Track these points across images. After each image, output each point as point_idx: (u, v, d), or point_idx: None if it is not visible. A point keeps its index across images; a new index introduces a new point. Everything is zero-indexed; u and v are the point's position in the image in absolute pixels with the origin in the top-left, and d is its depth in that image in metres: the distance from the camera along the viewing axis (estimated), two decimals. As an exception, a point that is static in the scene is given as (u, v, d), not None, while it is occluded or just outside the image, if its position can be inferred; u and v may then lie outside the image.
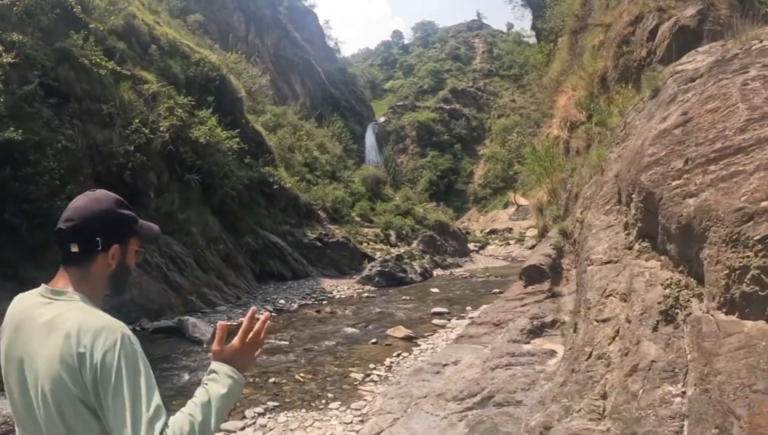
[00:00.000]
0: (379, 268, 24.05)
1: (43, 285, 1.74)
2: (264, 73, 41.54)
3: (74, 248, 1.70)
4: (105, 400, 1.51)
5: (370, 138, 73.00)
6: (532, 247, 45.86)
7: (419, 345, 12.15)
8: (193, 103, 19.94)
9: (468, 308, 16.90)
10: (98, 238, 1.72)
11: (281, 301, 18.36)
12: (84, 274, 1.74)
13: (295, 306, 17.88)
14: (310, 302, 18.90)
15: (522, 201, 64.68)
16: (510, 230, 55.07)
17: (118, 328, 1.60)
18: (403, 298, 19.80)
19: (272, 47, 59.89)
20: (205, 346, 12.42)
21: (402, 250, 30.02)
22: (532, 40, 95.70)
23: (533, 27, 38.69)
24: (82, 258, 1.73)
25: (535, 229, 50.54)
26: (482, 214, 68.82)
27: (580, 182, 10.66)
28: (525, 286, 9.13)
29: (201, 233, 17.93)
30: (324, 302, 18.97)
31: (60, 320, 1.60)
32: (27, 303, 1.72)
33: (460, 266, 33.82)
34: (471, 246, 43.30)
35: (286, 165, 30.88)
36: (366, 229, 32.51)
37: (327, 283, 22.91)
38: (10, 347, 1.69)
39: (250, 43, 52.91)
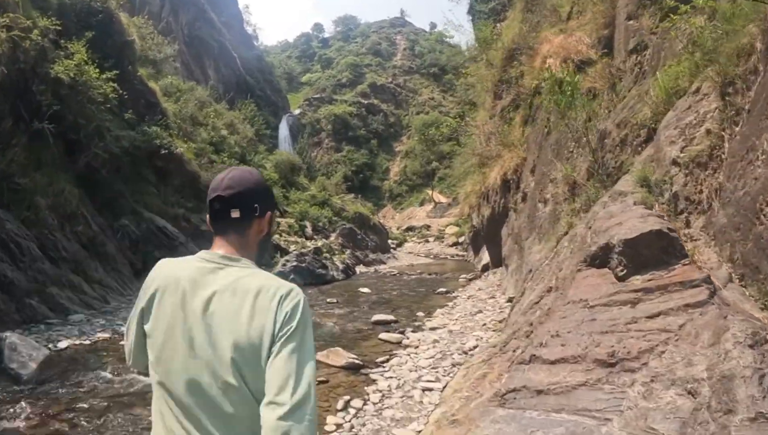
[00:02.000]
0: (294, 263, 19.25)
1: (203, 252, 1.77)
2: (176, 52, 36.21)
3: (235, 214, 1.73)
4: (276, 345, 1.55)
5: (284, 130, 67.84)
6: (454, 244, 42.96)
7: (375, 381, 7.57)
8: (59, 28, 14.31)
9: (420, 314, 12.59)
10: (256, 205, 1.78)
11: (166, 305, 13.36)
12: (244, 240, 1.79)
13: (185, 312, 12.95)
14: (205, 306, 13.98)
15: (440, 198, 61.54)
16: (428, 227, 51.74)
17: (300, 290, 1.68)
18: (329, 300, 15.14)
19: (187, 27, 53.76)
20: (25, 382, 7.59)
21: (320, 243, 25.30)
22: (454, 40, 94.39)
23: (470, 11, 34.59)
24: (241, 223, 1.76)
25: (455, 227, 47.51)
26: (398, 212, 65.37)
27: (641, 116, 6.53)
28: (621, 277, 4.58)
29: (51, 208, 12.43)
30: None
31: (243, 283, 1.64)
32: (190, 267, 1.71)
33: (384, 263, 29.41)
34: (389, 243, 39.11)
35: (187, 139, 25.52)
36: (278, 219, 27.57)
37: (230, 281, 17.90)
38: (177, 309, 1.66)
39: (164, 20, 46.98)
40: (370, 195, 66.84)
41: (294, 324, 1.57)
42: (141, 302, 1.76)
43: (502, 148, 17.34)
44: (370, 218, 33.78)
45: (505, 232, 17.59)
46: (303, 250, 20.72)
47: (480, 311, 11.84)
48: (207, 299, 1.63)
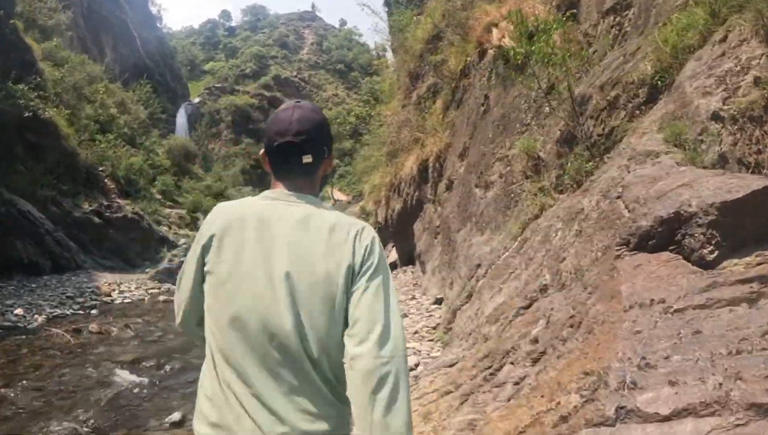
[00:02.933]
0: (183, 259, 16.65)
1: (268, 191, 1.69)
2: (69, 20, 32.27)
3: (308, 159, 1.65)
4: (360, 281, 1.53)
5: (181, 118, 63.41)
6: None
7: None
8: None
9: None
10: (325, 147, 1.72)
11: (17, 312, 10.66)
12: (310, 181, 1.71)
13: (40, 320, 10.37)
14: (69, 313, 11.45)
15: (340, 196, 59.64)
16: (327, 225, 49.32)
17: (371, 228, 1.65)
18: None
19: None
20: None
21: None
22: (362, 39, 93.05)
23: (386, 2, 32.55)
24: (312, 167, 1.69)
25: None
26: (296, 208, 62.61)
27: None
28: (709, 263, 2.73)
29: None
30: (93, 313, 11.51)
31: (316, 218, 1.60)
32: (255, 205, 1.64)
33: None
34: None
35: (69, 113, 22.27)
36: (168, 210, 24.71)
37: (106, 280, 15.12)
38: (245, 245, 1.57)
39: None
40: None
41: (375, 259, 1.56)
42: (198, 245, 1.64)
43: (420, 136, 15.65)
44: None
45: (419, 227, 15.91)
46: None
47: (404, 315, 9.86)
48: (278, 235, 1.57)
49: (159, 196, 25.58)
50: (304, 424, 1.50)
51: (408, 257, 18.29)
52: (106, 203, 17.23)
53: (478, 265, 6.82)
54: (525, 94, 7.66)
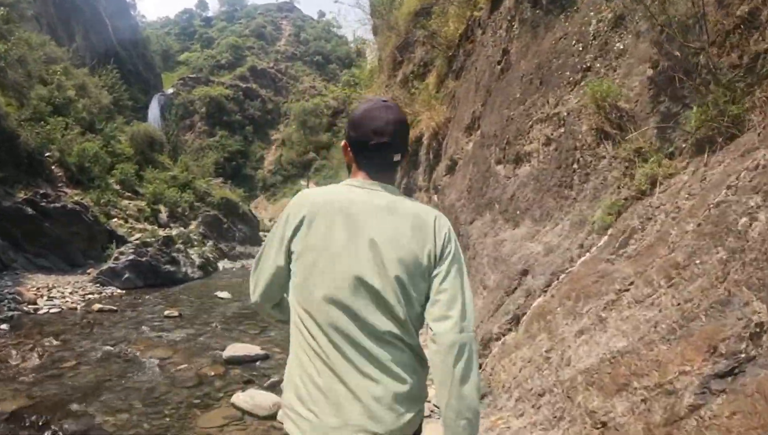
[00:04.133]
0: (131, 258, 14.05)
1: (350, 179, 1.78)
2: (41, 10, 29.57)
3: (398, 157, 1.77)
4: (441, 266, 1.64)
5: (154, 110, 60.33)
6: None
7: None
8: None
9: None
10: (408, 147, 1.84)
11: None
12: (392, 175, 1.81)
13: None
14: (-30, 325, 8.81)
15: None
16: (304, 220, 46.85)
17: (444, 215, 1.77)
18: (168, 313, 10.27)
19: (57, -15, 45.86)
20: None
21: (175, 232, 20.04)
22: (341, 31, 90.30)
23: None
24: (398, 164, 1.81)
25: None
26: (271, 203, 60.48)
27: None
28: None
29: None
30: (2, 328, 8.91)
31: (400, 204, 1.70)
32: (341, 191, 1.73)
33: (254, 256, 24.44)
34: (261, 235, 34.24)
35: (12, 90, 19.47)
36: (126, 202, 21.94)
37: (35, 284, 12.42)
38: (334, 228, 1.65)
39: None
40: (243, 184, 61.35)
41: (453, 246, 1.68)
42: (288, 227, 1.71)
43: (409, 113, 13.32)
44: (238, 205, 28.68)
45: None
46: (147, 240, 15.48)
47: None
48: (366, 218, 1.65)
49: (117, 187, 22.78)
50: (395, 385, 1.59)
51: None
52: (42, 192, 14.51)
53: (525, 272, 4.43)
54: (576, 33, 5.29)
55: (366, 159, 1.75)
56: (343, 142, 1.81)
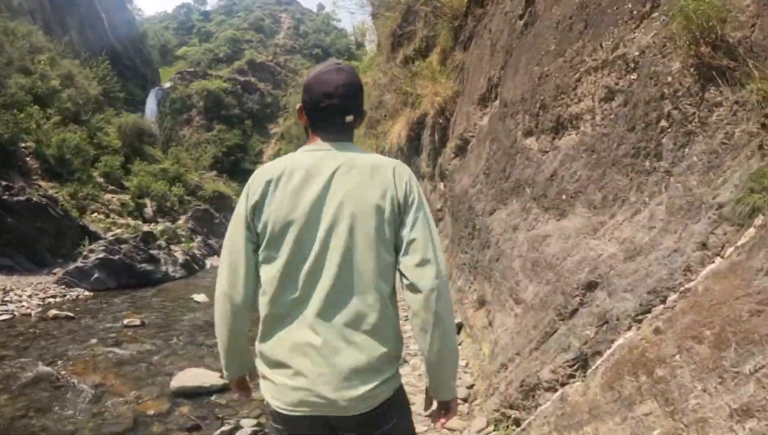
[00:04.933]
0: (102, 256, 12.48)
1: (306, 145, 1.75)
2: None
3: (350, 118, 1.72)
4: (407, 215, 1.62)
5: (151, 105, 58.82)
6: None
7: None
8: None
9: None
10: (362, 109, 1.80)
11: None
12: (348, 135, 1.76)
13: None
14: None
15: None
16: (304, 214, 45.46)
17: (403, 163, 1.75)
18: (128, 323, 8.72)
19: (50, -21, 44.47)
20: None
21: (160, 228, 18.52)
22: (341, 24, 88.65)
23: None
24: (350, 125, 1.75)
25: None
26: (271, 197, 58.50)
27: None
28: None
29: None
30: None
31: (359, 159, 1.67)
32: (300, 157, 1.69)
33: (246, 254, 22.98)
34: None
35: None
36: (109, 196, 20.44)
37: (-11, 283, 10.99)
38: (299, 191, 1.62)
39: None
40: (242, 178, 59.55)
41: (416, 193, 1.67)
42: (250, 200, 1.66)
43: (411, 92, 11.91)
44: (232, 199, 27.05)
45: None
46: (123, 237, 13.92)
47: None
48: (329, 176, 1.63)
49: (101, 180, 21.29)
50: (375, 349, 1.59)
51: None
52: (4, 184, 12.96)
53: (593, 285, 2.89)
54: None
55: (320, 121, 1.73)
56: (298, 106, 1.78)
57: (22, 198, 12.86)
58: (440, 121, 9.33)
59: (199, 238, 19.90)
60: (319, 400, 1.54)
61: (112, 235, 14.30)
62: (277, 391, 1.60)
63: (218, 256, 18.89)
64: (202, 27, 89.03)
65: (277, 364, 1.62)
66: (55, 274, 12.46)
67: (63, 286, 11.87)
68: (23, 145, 17.76)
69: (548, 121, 4.55)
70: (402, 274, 1.60)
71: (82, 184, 18.68)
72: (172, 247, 16.75)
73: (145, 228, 18.31)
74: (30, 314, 9.65)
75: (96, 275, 12.16)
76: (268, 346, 1.65)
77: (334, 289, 1.56)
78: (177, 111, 64.57)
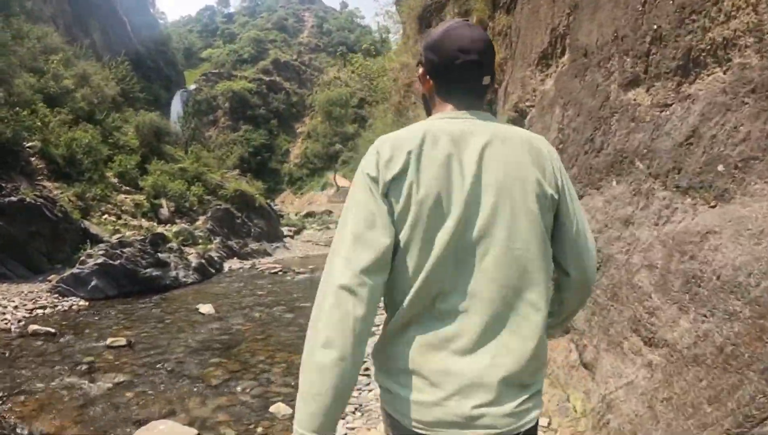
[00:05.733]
0: (101, 262, 11.10)
1: (441, 113, 1.43)
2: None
3: (487, 80, 1.44)
4: (564, 198, 1.41)
5: (176, 106, 58.42)
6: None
7: None
8: None
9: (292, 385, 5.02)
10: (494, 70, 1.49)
11: None
12: (482, 104, 1.48)
13: None
14: None
15: (344, 182, 54.38)
16: (330, 213, 44.43)
17: None
18: (112, 343, 7.22)
19: (71, -17, 44.35)
20: None
21: (176, 229, 17.20)
22: (365, 21, 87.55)
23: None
24: (487, 90, 1.47)
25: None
26: (298, 197, 57.88)
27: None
28: None
29: None
30: None
31: (507, 131, 1.40)
32: (438, 126, 1.35)
33: (269, 255, 21.54)
34: (285, 230, 31.40)
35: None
36: (123, 196, 19.18)
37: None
38: (447, 164, 1.30)
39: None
40: (269, 178, 59.24)
41: (566, 175, 1.46)
42: (385, 173, 1.29)
43: None
44: (255, 198, 25.62)
45: None
46: (127, 240, 12.54)
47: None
48: (480, 149, 1.34)
49: (115, 180, 20.08)
50: (529, 361, 1.30)
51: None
52: (-4, 184, 11.71)
53: None
54: None
55: (453, 83, 1.44)
56: (419, 71, 1.50)
57: (14, 199, 11.56)
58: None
59: (218, 240, 18.50)
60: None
61: (117, 238, 12.95)
62: (420, 406, 1.24)
63: (238, 257, 17.39)
64: (225, 29, 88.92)
65: (419, 376, 1.26)
66: (50, 281, 11.13)
67: (56, 295, 10.51)
68: (29, 144, 16.59)
69: (668, 61, 2.88)
70: (561, 265, 1.43)
71: (93, 185, 17.45)
72: (187, 249, 15.41)
73: (159, 229, 17.02)
74: (9, 329, 8.29)
75: (93, 283, 10.78)
76: (409, 354, 1.28)
77: (499, 282, 1.28)
78: (202, 112, 64.13)
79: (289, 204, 54.96)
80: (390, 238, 1.27)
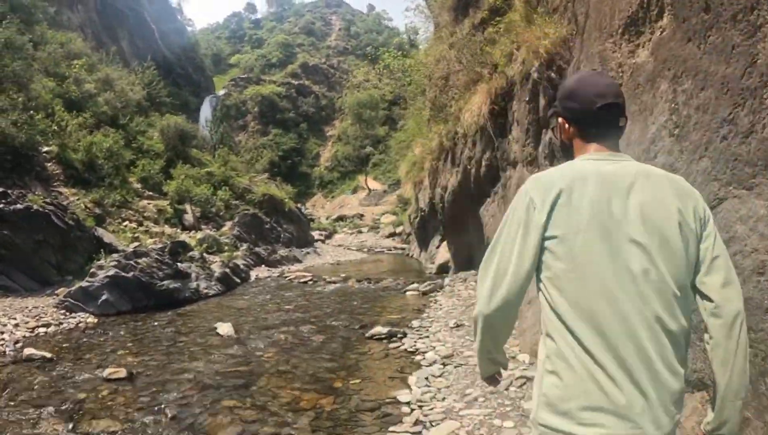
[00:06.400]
0: (112, 274, 10.01)
1: (585, 154, 1.57)
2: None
3: (623, 123, 1.58)
4: (706, 229, 1.45)
5: (205, 112, 57.96)
6: (390, 235, 34.22)
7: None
8: None
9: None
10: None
11: None
12: (618, 145, 1.59)
13: None
14: None
15: (375, 185, 53.23)
16: (361, 216, 43.25)
17: None
18: (109, 375, 6.04)
19: (99, -7, 44.46)
20: None
21: (199, 235, 16.15)
22: (392, 23, 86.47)
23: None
24: (622, 131, 1.61)
25: (392, 215, 38.84)
26: (329, 200, 56.85)
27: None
28: None
29: None
30: None
31: (651, 170, 1.51)
32: (585, 166, 1.50)
33: (299, 261, 20.41)
34: (316, 234, 30.35)
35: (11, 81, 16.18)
36: (145, 202, 18.23)
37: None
38: (598, 204, 1.42)
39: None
40: (299, 182, 58.31)
41: (707, 206, 1.50)
42: (540, 210, 1.46)
43: (483, 68, 9.23)
44: (284, 203, 24.53)
45: (491, 211, 9.39)
46: (139, 249, 11.46)
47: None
48: (628, 187, 1.45)
49: (138, 185, 19.16)
50: (674, 382, 1.38)
51: (467, 259, 11.73)
52: (1, 190, 10.72)
53: None
54: None
55: (594, 127, 1.58)
56: (558, 121, 1.66)
57: (20, 206, 10.54)
58: (550, 75, 6.38)
59: (245, 246, 17.41)
60: None
61: (133, 247, 11.88)
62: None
63: (266, 265, 16.17)
64: (253, 34, 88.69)
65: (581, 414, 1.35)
66: (57, 295, 10.09)
67: (63, 311, 9.47)
68: (46, 149, 15.73)
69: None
70: (703, 295, 1.43)
71: (113, 190, 16.52)
72: (211, 257, 14.35)
73: (183, 236, 16.01)
74: (4, 352, 7.23)
75: (104, 297, 9.70)
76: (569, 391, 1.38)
77: (649, 317, 1.37)
78: (232, 117, 63.66)
79: (320, 208, 54.04)
80: (531, 277, 1.47)
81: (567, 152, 1.86)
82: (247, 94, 66.43)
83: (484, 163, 9.62)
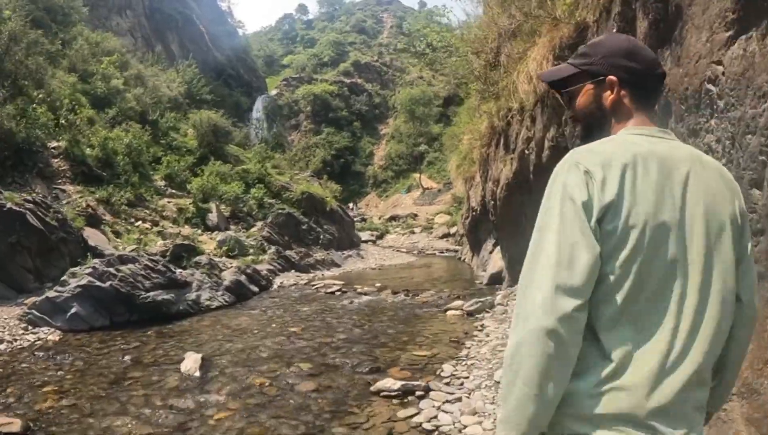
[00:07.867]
0: (85, 282, 8.36)
1: (636, 128, 1.30)
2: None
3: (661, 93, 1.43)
4: (745, 226, 1.31)
5: (257, 112, 57.61)
6: (444, 236, 32.07)
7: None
8: None
9: None
10: None
11: None
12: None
13: None
14: None
15: (429, 183, 51.15)
16: (415, 216, 41.22)
17: None
18: (1, 428, 4.30)
19: (148, -1, 44.83)
20: None
21: (218, 237, 14.50)
22: (445, 20, 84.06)
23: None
24: (657, 103, 1.51)
25: (446, 215, 36.65)
26: (382, 199, 55.13)
27: None
28: None
29: None
30: None
31: (701, 155, 1.31)
32: (639, 142, 1.24)
33: (337, 265, 18.55)
34: (367, 235, 28.63)
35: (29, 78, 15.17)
36: (166, 200, 16.76)
37: None
38: (661, 188, 1.19)
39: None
40: (353, 181, 56.88)
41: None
42: (601, 191, 1.16)
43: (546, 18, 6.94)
44: (324, 202, 22.72)
45: None
46: (126, 254, 9.79)
47: None
48: (686, 175, 1.23)
49: (162, 183, 17.77)
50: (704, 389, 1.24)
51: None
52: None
53: None
54: None
55: (646, 97, 1.35)
56: (609, 78, 1.32)
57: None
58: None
59: (273, 250, 15.69)
60: None
61: (131, 250, 10.25)
62: None
63: (296, 270, 14.10)
64: (305, 35, 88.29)
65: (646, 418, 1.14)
66: (24, 305, 8.51)
67: (24, 324, 7.88)
68: (54, 144, 14.44)
69: None
70: (738, 292, 1.29)
71: (127, 188, 15.12)
72: (229, 261, 12.67)
73: (202, 238, 14.40)
74: None
75: (74, 310, 8.04)
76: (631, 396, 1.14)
77: (711, 325, 1.20)
78: (285, 117, 62.95)
79: (373, 207, 52.54)
80: (596, 273, 1.14)
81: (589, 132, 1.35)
82: (299, 93, 65.56)
83: (546, 145, 7.43)
